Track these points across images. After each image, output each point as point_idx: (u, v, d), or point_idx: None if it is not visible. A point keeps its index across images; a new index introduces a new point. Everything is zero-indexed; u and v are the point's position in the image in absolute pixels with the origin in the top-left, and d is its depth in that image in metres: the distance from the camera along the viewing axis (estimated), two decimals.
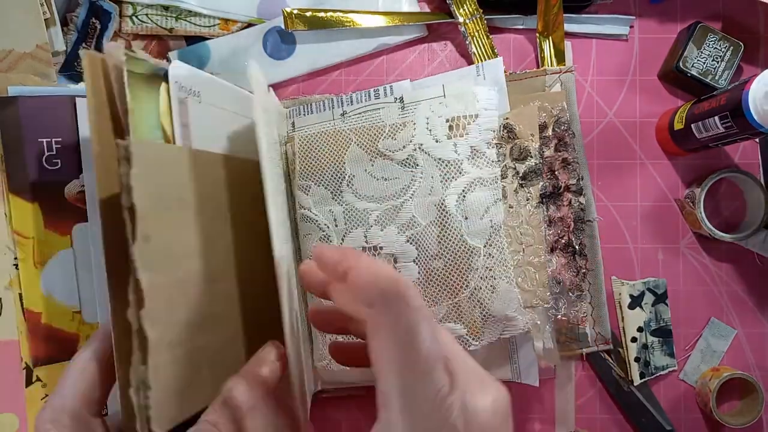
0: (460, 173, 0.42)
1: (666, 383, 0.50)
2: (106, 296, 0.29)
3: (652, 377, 0.49)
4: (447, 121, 0.43)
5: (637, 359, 0.48)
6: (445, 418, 0.20)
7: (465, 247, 0.42)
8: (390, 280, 0.23)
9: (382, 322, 0.22)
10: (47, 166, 0.37)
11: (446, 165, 0.43)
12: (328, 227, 0.44)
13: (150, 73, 0.30)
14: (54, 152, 0.37)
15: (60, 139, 0.37)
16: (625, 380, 0.49)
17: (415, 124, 0.43)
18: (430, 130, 0.43)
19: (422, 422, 0.20)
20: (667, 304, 0.49)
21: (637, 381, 0.48)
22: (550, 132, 0.46)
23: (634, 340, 0.48)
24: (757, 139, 0.50)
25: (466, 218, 0.42)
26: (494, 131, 0.44)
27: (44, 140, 0.37)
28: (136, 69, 0.29)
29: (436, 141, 0.43)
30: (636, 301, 0.49)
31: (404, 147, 0.43)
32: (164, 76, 0.32)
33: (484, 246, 0.42)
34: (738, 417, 0.49)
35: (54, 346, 0.37)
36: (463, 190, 0.42)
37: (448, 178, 0.42)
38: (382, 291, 0.23)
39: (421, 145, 0.43)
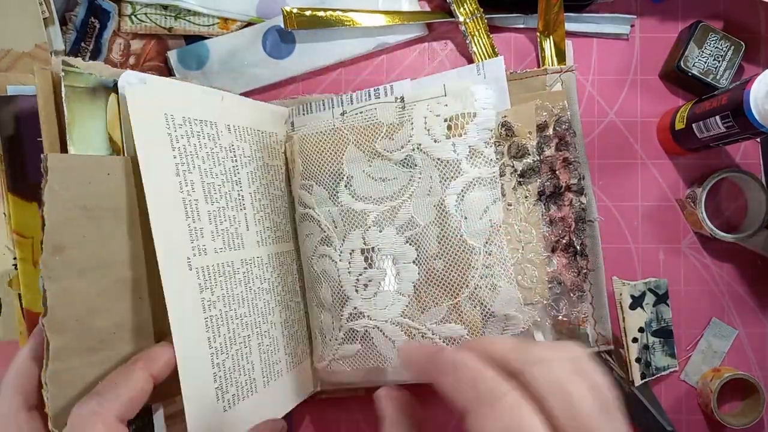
0: (459, 173, 0.42)
1: (667, 384, 0.50)
2: None
3: (653, 378, 0.49)
4: (445, 120, 0.43)
5: (638, 360, 0.48)
6: None
7: (465, 247, 0.42)
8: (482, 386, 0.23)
9: (486, 424, 0.22)
10: None
11: (445, 165, 0.42)
12: (329, 228, 0.44)
13: (95, 86, 0.32)
14: None
15: None
16: (626, 381, 0.49)
17: (413, 124, 0.43)
18: (428, 130, 0.43)
19: None
20: (668, 305, 0.49)
21: (638, 382, 0.48)
22: (551, 131, 0.46)
23: (635, 340, 0.48)
24: (758, 139, 0.50)
25: (466, 218, 0.42)
26: (491, 130, 0.43)
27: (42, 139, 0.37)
28: (77, 83, 0.31)
29: (435, 141, 0.43)
30: (637, 302, 0.48)
31: (402, 147, 0.43)
32: (115, 87, 0.33)
33: (484, 245, 0.42)
34: (739, 417, 0.48)
35: None
36: (462, 190, 0.42)
37: (447, 178, 0.42)
38: (478, 397, 0.22)
39: (420, 145, 0.43)
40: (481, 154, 0.43)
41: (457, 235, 0.42)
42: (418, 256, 0.42)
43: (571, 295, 0.45)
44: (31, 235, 0.36)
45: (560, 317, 0.45)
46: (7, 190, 0.36)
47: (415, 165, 0.43)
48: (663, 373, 0.49)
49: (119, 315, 0.31)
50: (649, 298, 0.49)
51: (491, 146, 0.43)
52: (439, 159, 0.42)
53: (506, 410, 0.22)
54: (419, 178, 0.43)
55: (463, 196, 0.42)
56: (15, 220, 0.36)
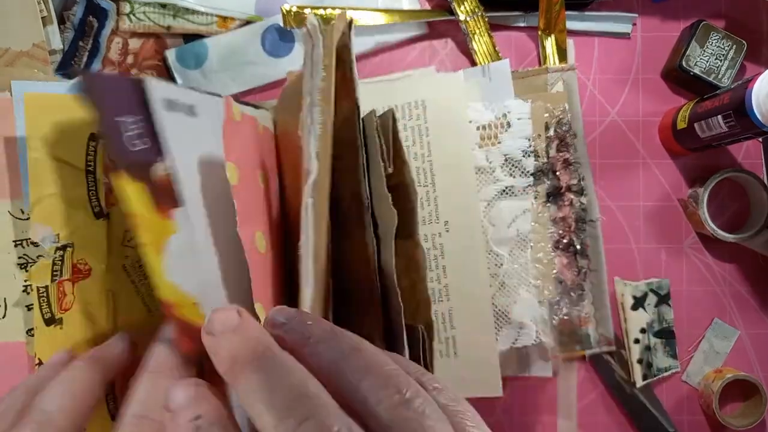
0: (493, 181, 0.43)
1: (669, 385, 0.50)
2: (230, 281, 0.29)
3: (655, 379, 0.48)
4: (477, 128, 0.43)
5: (639, 361, 0.48)
6: None
7: (489, 254, 0.42)
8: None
9: None
10: (130, 148, 0.33)
11: (478, 172, 0.43)
12: None
13: None
14: (132, 133, 0.33)
15: (134, 119, 0.33)
16: (627, 382, 0.49)
17: None
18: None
19: None
20: (670, 305, 0.49)
21: (639, 383, 0.48)
22: (551, 132, 0.46)
23: (636, 341, 0.48)
24: (760, 139, 0.50)
25: (494, 225, 0.42)
26: (529, 139, 0.43)
27: (122, 119, 0.33)
28: None
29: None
30: (639, 303, 0.48)
31: None
32: None
33: (509, 254, 0.43)
34: (741, 418, 0.48)
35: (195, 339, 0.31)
36: (493, 198, 0.43)
37: (480, 185, 0.43)
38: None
39: None
40: (519, 163, 0.43)
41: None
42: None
43: (572, 294, 0.45)
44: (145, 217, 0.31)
45: (562, 316, 0.45)
46: (111, 170, 0.30)
47: None
48: (665, 374, 0.49)
49: None
50: (651, 299, 0.48)
51: (530, 156, 0.43)
52: (474, 166, 0.43)
53: None
54: None
55: (493, 203, 0.43)
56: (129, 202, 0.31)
